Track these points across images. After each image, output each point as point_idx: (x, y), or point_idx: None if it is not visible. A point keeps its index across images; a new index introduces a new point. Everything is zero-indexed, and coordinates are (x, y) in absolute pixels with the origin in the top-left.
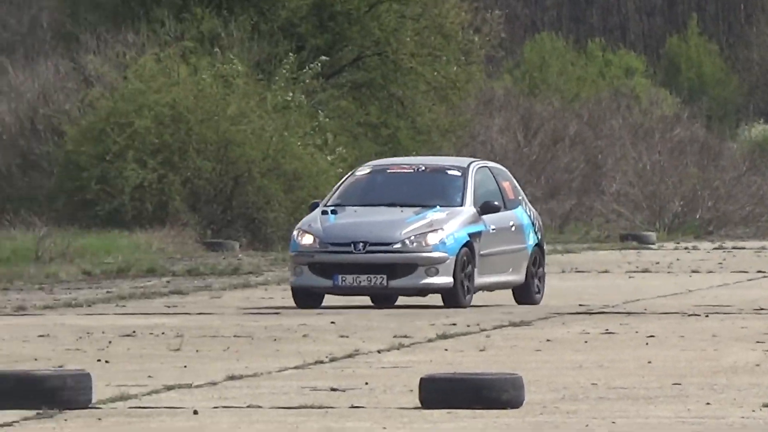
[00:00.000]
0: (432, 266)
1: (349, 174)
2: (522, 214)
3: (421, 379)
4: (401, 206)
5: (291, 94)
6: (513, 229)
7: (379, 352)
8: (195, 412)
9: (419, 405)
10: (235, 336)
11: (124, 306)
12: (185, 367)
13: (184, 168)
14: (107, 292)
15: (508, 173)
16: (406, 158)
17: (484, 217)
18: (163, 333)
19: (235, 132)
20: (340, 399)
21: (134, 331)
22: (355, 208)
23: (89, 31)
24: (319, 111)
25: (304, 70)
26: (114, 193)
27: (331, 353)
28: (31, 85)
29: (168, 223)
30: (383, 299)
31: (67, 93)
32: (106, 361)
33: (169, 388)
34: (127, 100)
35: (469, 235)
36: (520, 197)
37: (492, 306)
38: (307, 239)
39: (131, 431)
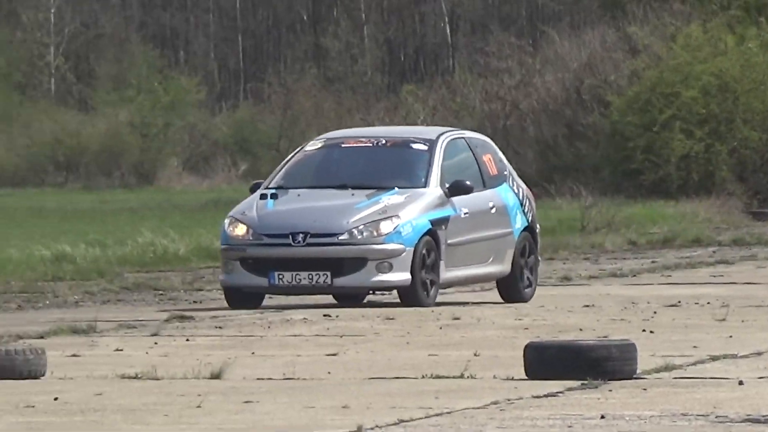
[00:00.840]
0: (384, 261)
1: (298, 149)
2: (507, 193)
3: None
4: (353, 189)
5: None
6: (494, 211)
7: None
8: (740, 383)
9: None
10: None
11: (669, 276)
12: (730, 337)
13: (731, 138)
14: (652, 261)
15: (492, 144)
16: (366, 129)
17: (454, 199)
18: (708, 303)
19: None
20: None
21: (679, 301)
22: (299, 191)
23: (636, 0)
24: None
25: None
26: (659, 163)
27: None
28: (578, 54)
29: (714, 193)
30: (341, 298)
31: (614, 63)
32: (651, 331)
33: (714, 358)
34: (673, 70)
35: (432, 222)
36: (505, 173)
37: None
38: (240, 230)
39: (676, 402)
